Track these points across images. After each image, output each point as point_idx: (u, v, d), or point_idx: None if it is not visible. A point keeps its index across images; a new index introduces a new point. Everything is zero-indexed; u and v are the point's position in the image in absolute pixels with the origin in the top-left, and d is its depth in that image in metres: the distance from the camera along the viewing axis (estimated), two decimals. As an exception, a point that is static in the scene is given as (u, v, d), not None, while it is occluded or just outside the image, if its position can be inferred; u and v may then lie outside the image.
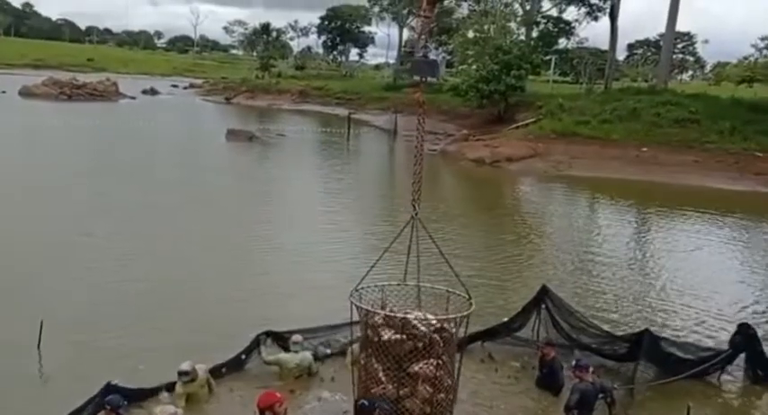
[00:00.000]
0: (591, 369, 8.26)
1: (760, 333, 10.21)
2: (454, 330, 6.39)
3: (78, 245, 14.74)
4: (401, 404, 6.13)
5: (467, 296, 6.66)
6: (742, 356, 9.88)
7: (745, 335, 9.82)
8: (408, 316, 6.37)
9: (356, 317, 6.64)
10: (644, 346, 9.32)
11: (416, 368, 6.12)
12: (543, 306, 10.15)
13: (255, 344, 9.20)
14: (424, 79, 7.13)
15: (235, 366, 9.01)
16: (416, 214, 6.76)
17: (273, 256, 15.14)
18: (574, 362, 8.46)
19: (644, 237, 20.96)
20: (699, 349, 10.03)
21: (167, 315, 11.00)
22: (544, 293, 10.22)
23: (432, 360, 6.15)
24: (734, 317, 12.30)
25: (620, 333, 10.36)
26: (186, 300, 11.78)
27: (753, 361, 9.83)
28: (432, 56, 7.50)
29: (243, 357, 9.09)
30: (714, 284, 15.03)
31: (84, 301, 11.44)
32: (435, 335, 6.26)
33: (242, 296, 12.15)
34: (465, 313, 6.42)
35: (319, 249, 15.54)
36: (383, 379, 6.18)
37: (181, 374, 8.02)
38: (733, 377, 9.89)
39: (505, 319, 10.37)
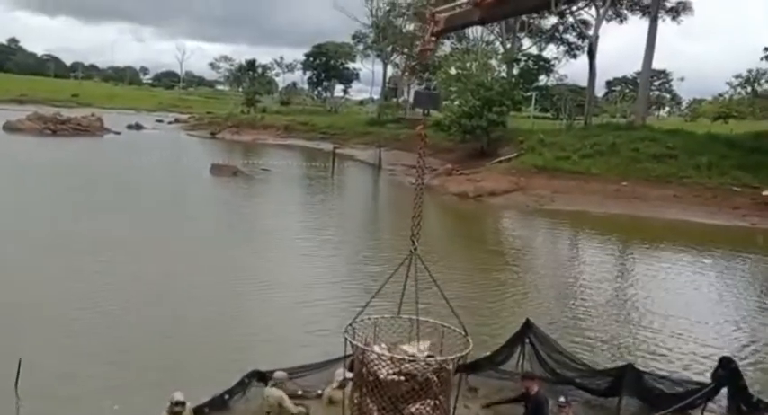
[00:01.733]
0: (570, 406, 8.39)
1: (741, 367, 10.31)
2: (451, 368, 6.25)
3: (54, 283, 14.57)
4: None
5: (463, 332, 6.49)
6: (724, 390, 9.94)
7: (727, 369, 9.89)
8: (406, 356, 6.12)
9: (350, 350, 6.38)
10: (626, 380, 9.36)
11: (413, 409, 5.96)
12: (527, 340, 10.18)
13: (241, 385, 9.12)
14: (426, 112, 6.94)
15: (218, 405, 8.92)
16: (415, 249, 6.58)
17: (258, 295, 15.03)
18: (562, 398, 8.57)
19: (625, 271, 21.14)
20: (681, 383, 10.08)
21: (146, 356, 10.87)
22: (528, 327, 10.27)
23: (429, 401, 5.98)
24: (715, 350, 12.39)
25: (603, 368, 10.40)
26: (166, 340, 11.67)
27: (735, 395, 9.89)
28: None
29: (226, 397, 9.00)
30: (695, 317, 15.17)
31: (62, 340, 11.29)
32: (433, 375, 6.10)
33: (223, 337, 12.05)
34: (464, 353, 6.24)
35: (305, 288, 15.45)
36: None
37: (176, 403, 7.97)
38: (716, 412, 9.94)
39: (488, 353, 10.38)
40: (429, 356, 6.32)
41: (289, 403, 8.90)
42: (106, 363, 10.36)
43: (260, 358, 9.76)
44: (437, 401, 6.03)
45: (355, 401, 6.23)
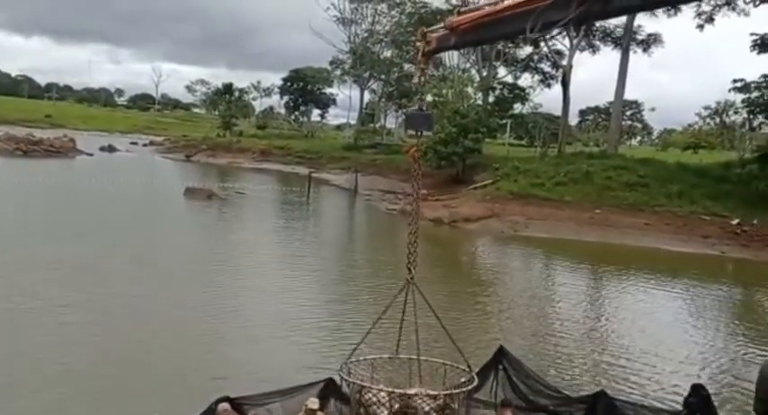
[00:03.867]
0: None
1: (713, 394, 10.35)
2: (456, 406, 5.91)
3: (20, 311, 14.20)
4: None
5: (467, 369, 6.15)
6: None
7: (698, 396, 9.91)
8: (409, 391, 5.79)
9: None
10: (599, 407, 9.33)
11: None
12: (501, 367, 10.11)
13: (209, 412, 8.89)
14: (419, 133, 6.76)
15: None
16: (412, 278, 6.26)
17: (228, 324, 14.80)
18: None
19: (598, 298, 21.27)
20: (654, 410, 10.08)
21: (116, 387, 10.60)
22: (501, 353, 10.20)
23: None
24: (687, 377, 12.45)
25: (576, 394, 10.37)
26: (136, 374, 11.39)
27: (707, 423, 9.91)
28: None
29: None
30: (667, 345, 15.27)
31: (29, 368, 10.97)
32: (435, 413, 5.76)
33: (195, 368, 11.80)
34: (469, 388, 5.95)
35: (279, 317, 15.20)
36: None
37: None
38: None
39: (462, 379, 10.27)
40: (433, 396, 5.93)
41: None
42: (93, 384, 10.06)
43: (231, 387, 9.52)
44: None
45: None
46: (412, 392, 5.78)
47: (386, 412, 5.66)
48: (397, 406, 5.65)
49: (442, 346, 6.63)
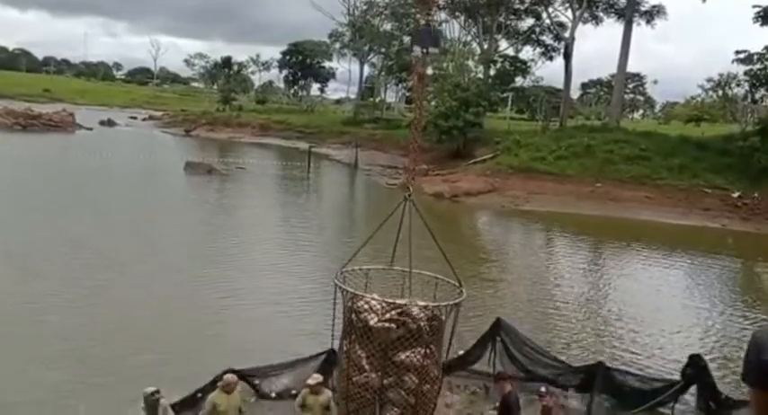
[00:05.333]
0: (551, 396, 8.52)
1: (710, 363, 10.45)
2: (444, 317, 6.03)
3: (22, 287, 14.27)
4: (384, 394, 5.79)
5: (457, 283, 6.32)
6: (694, 387, 10.06)
7: (696, 367, 10.01)
8: (399, 302, 5.92)
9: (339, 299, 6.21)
10: (598, 377, 9.43)
11: (403, 357, 5.76)
12: (498, 339, 10.20)
13: (213, 384, 8.99)
14: (425, 50, 6.54)
15: (190, 404, 8.79)
16: (410, 195, 6.36)
17: (232, 300, 14.89)
18: (543, 388, 8.80)
19: (598, 271, 21.34)
20: (652, 380, 10.19)
21: (126, 359, 10.69)
22: (498, 326, 10.28)
23: (419, 349, 5.78)
24: (685, 349, 12.54)
25: (575, 364, 10.47)
26: (141, 344, 11.48)
27: (704, 392, 10.02)
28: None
29: (198, 395, 8.87)
30: (665, 316, 15.37)
31: (31, 335, 11.05)
32: (424, 323, 5.88)
33: (198, 342, 11.89)
34: (458, 300, 6.10)
35: (277, 291, 15.31)
36: (366, 367, 5.80)
37: (152, 394, 7.89)
38: (686, 408, 10.05)
39: (461, 352, 10.37)
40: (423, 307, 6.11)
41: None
42: (72, 363, 10.15)
43: (234, 360, 9.60)
44: (428, 350, 5.85)
45: (344, 348, 6.01)
46: (401, 302, 5.96)
47: (376, 319, 5.77)
48: (387, 314, 5.79)
49: (437, 262, 6.74)
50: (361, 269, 6.58)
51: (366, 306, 5.89)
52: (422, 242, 6.57)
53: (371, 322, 5.82)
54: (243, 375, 9.13)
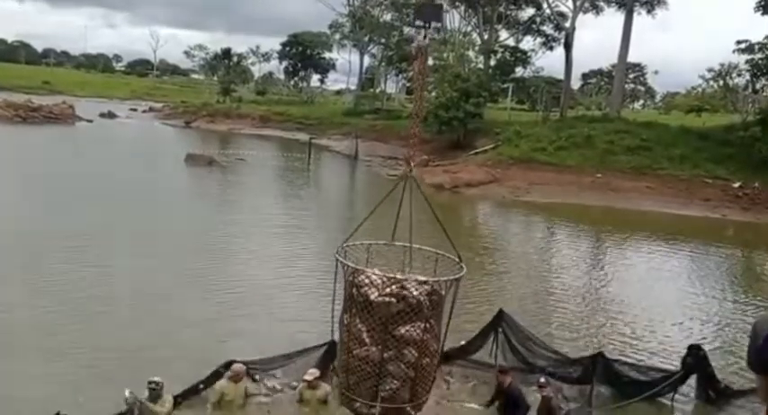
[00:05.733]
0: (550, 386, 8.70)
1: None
2: (444, 292, 6.10)
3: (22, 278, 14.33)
4: (384, 367, 5.85)
5: (457, 259, 6.39)
6: (693, 377, 10.13)
7: (695, 357, 10.07)
8: (399, 276, 6.01)
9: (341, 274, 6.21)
10: (597, 369, 9.49)
11: (403, 331, 5.83)
12: (500, 330, 10.25)
13: (215, 375, 9.07)
14: (428, 24, 6.42)
15: (192, 395, 8.87)
16: (411, 171, 6.40)
17: (230, 287, 14.94)
18: (542, 379, 8.95)
19: (599, 261, 21.39)
20: (651, 371, 10.25)
21: (125, 351, 10.75)
22: (500, 317, 10.33)
23: (419, 323, 5.84)
24: (684, 339, 12.60)
25: (575, 356, 10.52)
26: (142, 335, 11.54)
27: (704, 382, 10.09)
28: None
29: (200, 386, 8.95)
30: (665, 306, 15.42)
31: (29, 324, 11.11)
32: (424, 297, 5.96)
33: (195, 331, 11.94)
34: (457, 276, 6.18)
35: (279, 290, 15.28)
36: (367, 341, 5.87)
37: (154, 383, 8.03)
38: (685, 398, 10.12)
39: (463, 342, 10.42)
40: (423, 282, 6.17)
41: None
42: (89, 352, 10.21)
43: (236, 352, 9.68)
44: (428, 324, 5.92)
45: (345, 322, 6.10)
46: (401, 276, 6.08)
47: (376, 293, 5.83)
48: (387, 288, 5.90)
49: (436, 238, 6.81)
50: (362, 244, 6.65)
51: (367, 281, 5.95)
52: (422, 217, 6.63)
53: (372, 297, 5.89)
54: (248, 368, 9.21)
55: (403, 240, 6.51)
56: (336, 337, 6.35)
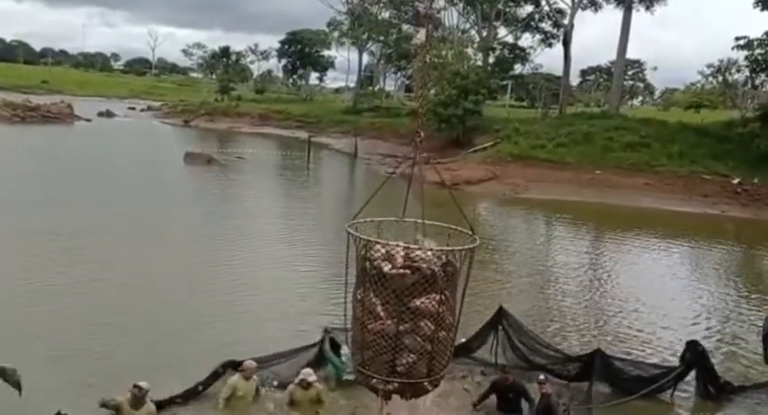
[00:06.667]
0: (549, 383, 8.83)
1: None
2: (458, 265, 5.95)
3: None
4: (400, 340, 5.71)
5: (470, 233, 6.35)
6: (693, 373, 10.15)
7: (694, 352, 10.10)
8: (412, 246, 5.81)
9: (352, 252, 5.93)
10: (596, 366, 9.52)
11: (418, 303, 5.67)
12: (500, 328, 10.28)
13: (214, 375, 9.10)
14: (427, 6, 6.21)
15: (191, 395, 8.90)
16: (421, 141, 6.25)
17: (231, 286, 14.95)
18: (542, 376, 9.03)
19: (598, 258, 21.40)
20: (651, 367, 10.28)
21: (127, 349, 10.77)
22: (501, 314, 10.36)
23: (434, 295, 5.70)
24: (683, 335, 12.62)
25: (574, 353, 10.55)
26: (142, 332, 11.55)
27: (703, 378, 10.11)
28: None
29: (200, 388, 8.97)
30: (663, 302, 15.44)
31: (27, 333, 11.13)
32: (438, 269, 5.78)
33: (194, 330, 11.96)
34: (472, 246, 5.94)
35: (280, 290, 15.22)
36: (382, 314, 5.71)
37: (139, 388, 7.99)
38: (685, 394, 10.15)
39: (463, 339, 10.44)
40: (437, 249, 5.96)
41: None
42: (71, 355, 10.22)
43: (235, 353, 9.69)
44: (443, 297, 5.75)
45: (358, 297, 5.94)
46: (416, 246, 5.85)
47: (389, 266, 5.71)
48: (401, 261, 5.72)
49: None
50: (372, 221, 6.49)
51: (379, 254, 5.81)
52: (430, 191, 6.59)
53: (385, 269, 5.72)
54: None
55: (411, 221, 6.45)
56: (350, 315, 6.22)
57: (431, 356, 5.66)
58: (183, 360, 10.12)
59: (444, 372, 5.92)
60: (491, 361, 10.18)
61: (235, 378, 8.82)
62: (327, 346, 9.74)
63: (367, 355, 5.73)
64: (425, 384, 5.69)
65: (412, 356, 5.64)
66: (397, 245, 5.86)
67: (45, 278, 13.92)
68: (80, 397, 8.56)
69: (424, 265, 5.73)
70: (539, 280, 16.98)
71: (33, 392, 8.83)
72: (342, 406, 9.12)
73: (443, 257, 5.87)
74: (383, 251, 5.80)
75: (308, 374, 8.92)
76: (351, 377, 9.55)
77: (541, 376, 9.02)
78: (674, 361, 10.49)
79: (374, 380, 5.69)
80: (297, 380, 8.92)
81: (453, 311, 5.95)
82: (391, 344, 5.64)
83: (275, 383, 9.40)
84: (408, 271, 5.68)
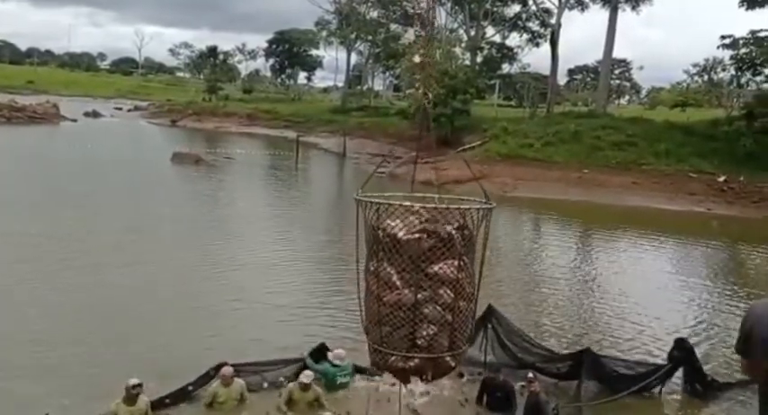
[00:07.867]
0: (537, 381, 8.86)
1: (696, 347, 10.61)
2: (474, 230, 5.56)
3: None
4: (419, 310, 5.32)
5: (484, 199, 5.84)
6: (680, 370, 10.22)
7: (682, 350, 10.17)
8: (429, 206, 5.45)
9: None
10: (585, 364, 9.56)
11: (436, 268, 5.30)
12: (489, 326, 10.30)
13: (205, 377, 9.05)
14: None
15: (181, 397, 8.85)
16: (429, 102, 6.01)
17: (221, 288, 14.89)
18: (530, 374, 9.06)
19: (586, 257, 21.53)
20: (639, 365, 10.34)
21: (107, 351, 10.69)
22: (490, 312, 10.38)
23: (452, 261, 5.34)
24: (670, 332, 12.70)
25: (563, 352, 10.60)
26: (131, 338, 11.48)
27: (690, 375, 10.19)
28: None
29: (190, 388, 8.93)
30: (651, 300, 15.54)
31: (21, 329, 11.03)
32: (455, 231, 5.42)
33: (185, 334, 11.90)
34: (488, 206, 5.58)
35: (272, 293, 15.23)
36: (398, 283, 5.32)
37: (133, 386, 7.97)
38: (673, 391, 10.22)
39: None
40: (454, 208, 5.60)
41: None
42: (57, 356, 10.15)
43: (226, 354, 9.65)
44: (461, 262, 5.40)
45: (371, 269, 5.54)
46: (431, 206, 5.50)
47: (404, 232, 5.37)
48: (416, 219, 5.37)
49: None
50: (381, 195, 6.14)
51: (392, 223, 5.44)
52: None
53: (400, 234, 5.36)
54: (236, 370, 9.19)
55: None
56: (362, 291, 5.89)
57: (452, 327, 5.30)
58: (173, 363, 10.03)
59: (466, 347, 5.58)
60: (480, 359, 10.20)
61: (215, 385, 8.79)
62: (310, 361, 9.62)
63: (384, 331, 5.34)
64: (448, 359, 5.30)
65: (432, 327, 5.27)
66: (412, 206, 5.48)
67: (27, 281, 13.81)
68: (66, 402, 8.52)
69: (441, 228, 5.37)
70: (527, 279, 17.05)
71: (23, 397, 8.79)
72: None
73: (460, 219, 5.51)
74: (397, 215, 5.40)
75: (308, 376, 8.92)
76: (345, 380, 9.56)
77: (530, 374, 9.06)
78: (662, 358, 10.56)
79: (393, 358, 5.27)
80: (299, 380, 8.96)
81: (473, 280, 5.63)
82: (410, 315, 5.26)
83: (265, 384, 9.36)
84: (425, 235, 5.34)
